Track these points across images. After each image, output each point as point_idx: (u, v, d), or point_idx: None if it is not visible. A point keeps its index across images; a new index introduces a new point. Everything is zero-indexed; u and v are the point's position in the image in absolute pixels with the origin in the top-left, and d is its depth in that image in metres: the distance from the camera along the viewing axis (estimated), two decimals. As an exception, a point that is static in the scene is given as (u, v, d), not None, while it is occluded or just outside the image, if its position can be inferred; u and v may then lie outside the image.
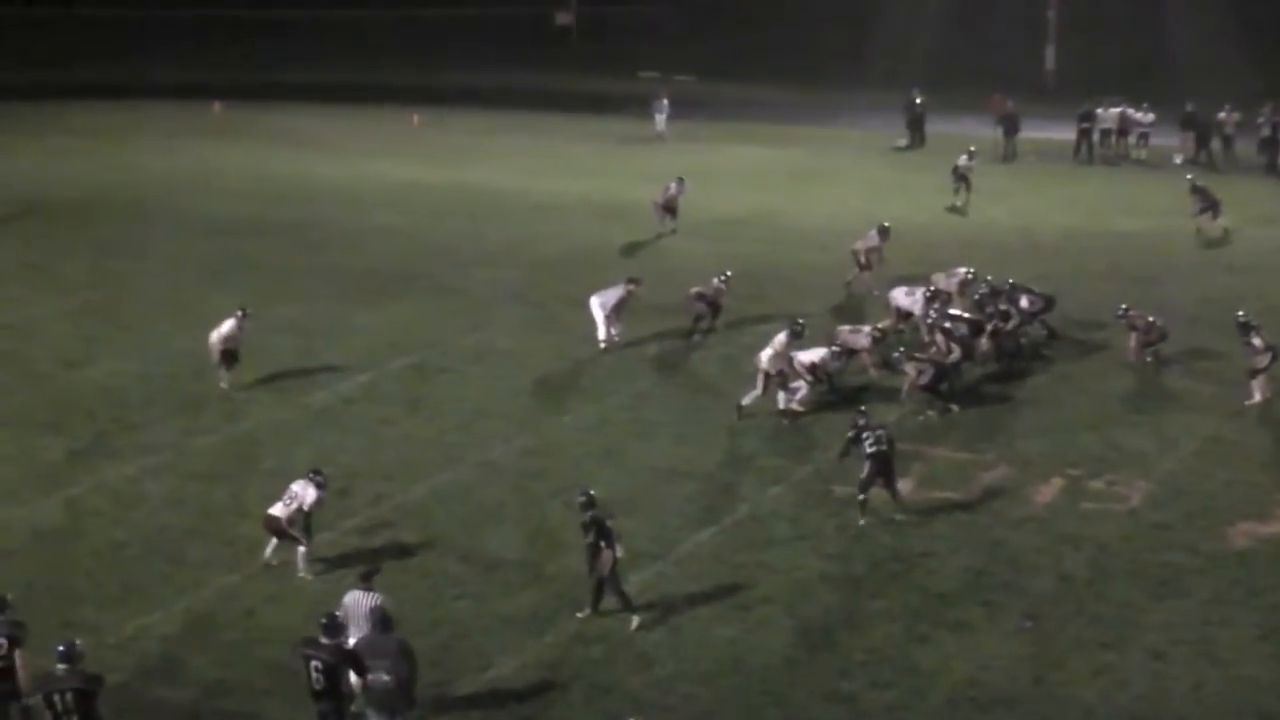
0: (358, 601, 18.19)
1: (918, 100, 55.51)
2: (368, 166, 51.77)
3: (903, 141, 55.32)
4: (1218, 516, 23.39)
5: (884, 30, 67.56)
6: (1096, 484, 24.70)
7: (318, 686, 16.47)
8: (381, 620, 17.21)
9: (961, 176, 44.71)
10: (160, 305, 34.54)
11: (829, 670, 19.21)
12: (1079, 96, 54.68)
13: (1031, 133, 53.60)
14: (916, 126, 55.53)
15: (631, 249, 39.65)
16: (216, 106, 63.35)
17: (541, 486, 24.81)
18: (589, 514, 20.35)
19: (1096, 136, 52.98)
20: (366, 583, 18.49)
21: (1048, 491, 24.44)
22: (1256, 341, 28.01)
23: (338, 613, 17.66)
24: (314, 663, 16.43)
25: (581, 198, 46.23)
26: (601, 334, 31.21)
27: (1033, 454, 25.95)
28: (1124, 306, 30.48)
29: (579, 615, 20.46)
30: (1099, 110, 53.05)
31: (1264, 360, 27.88)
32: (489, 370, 30.44)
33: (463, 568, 21.96)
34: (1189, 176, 43.85)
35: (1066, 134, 53.42)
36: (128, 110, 63.74)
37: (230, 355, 28.83)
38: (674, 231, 41.06)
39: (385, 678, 16.66)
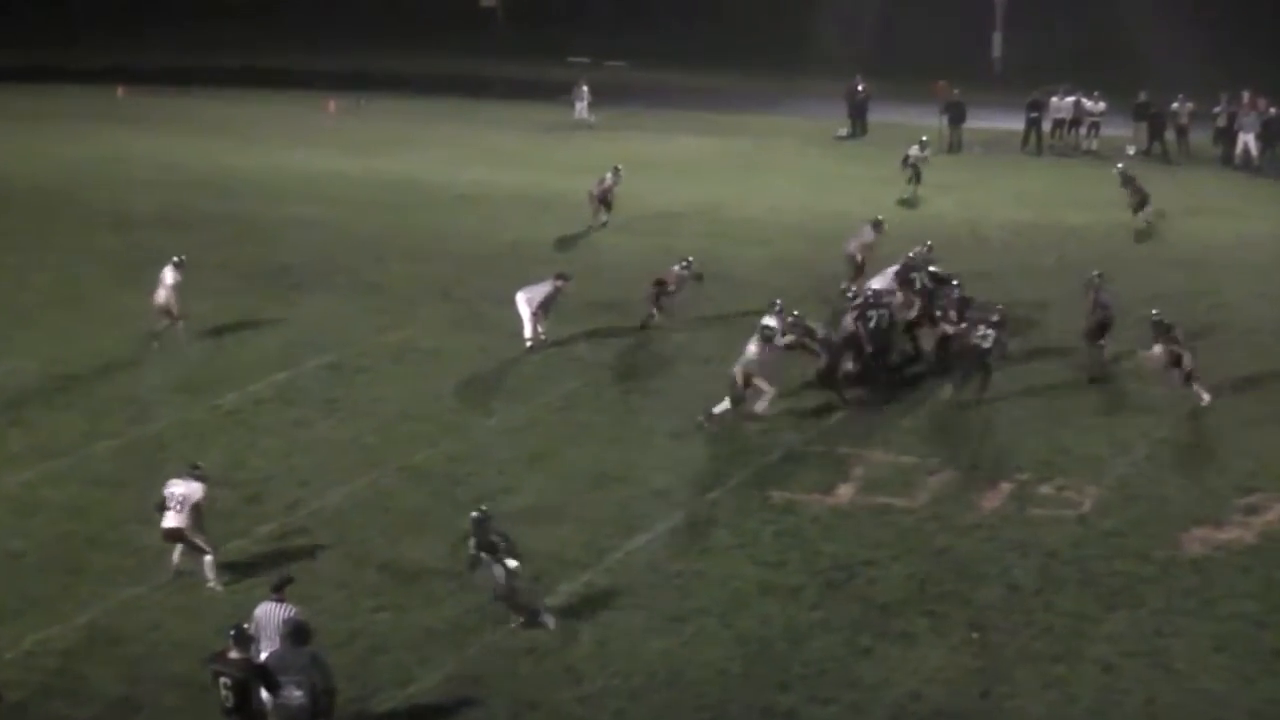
0: (269, 613, 18.04)
1: (860, 88, 55.77)
2: (283, 156, 51.57)
3: (844, 131, 55.57)
4: (1171, 523, 23.53)
5: (826, 15, 67.76)
6: (1046, 489, 24.81)
7: (228, 703, 16.35)
8: (295, 633, 17.07)
9: (912, 166, 44.93)
10: (62, 301, 34.26)
11: (767, 684, 19.19)
12: (1027, 85, 55.05)
13: (978, 122, 53.91)
14: (859, 115, 55.81)
15: (562, 243, 39.60)
16: (121, 91, 62.88)
17: (465, 492, 24.67)
18: (475, 526, 20.24)
19: (1047, 126, 53.35)
20: (278, 593, 18.34)
21: (995, 497, 24.53)
22: (1157, 349, 28.16)
23: (247, 625, 17.55)
24: (223, 678, 16.31)
25: (508, 189, 46.17)
26: (528, 332, 31.15)
27: (979, 458, 26.06)
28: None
29: (511, 627, 20.41)
30: (1051, 99, 53.42)
31: (1160, 361, 28.17)
32: (411, 370, 30.33)
33: (382, 578, 21.83)
34: (1119, 166, 44.19)
35: (1014, 124, 53.76)
36: (27, 95, 63.15)
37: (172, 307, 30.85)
38: (605, 225, 40.94)
39: (298, 693, 16.55)
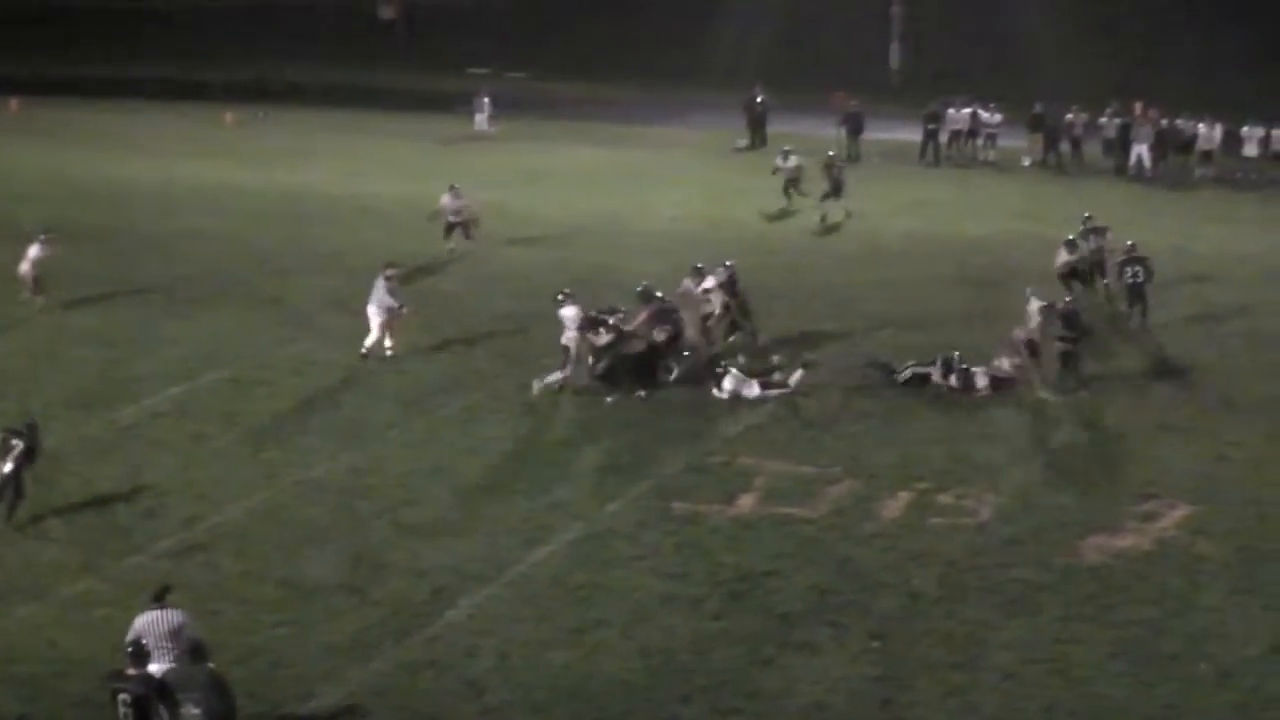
0: (154, 622, 17.73)
1: (759, 99, 56.06)
2: (179, 167, 51.19)
3: (743, 142, 55.86)
4: (1069, 530, 23.75)
5: (724, 27, 68.12)
6: (945, 498, 24.97)
7: (127, 720, 16.22)
8: (194, 649, 16.93)
9: (788, 179, 44.90)
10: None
11: (670, 696, 19.20)
12: (925, 96, 55.53)
13: (876, 133, 54.31)
14: (758, 126, 56.10)
15: (459, 256, 39.42)
16: (14, 103, 62.21)
17: (366, 506, 24.60)
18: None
19: (944, 137, 53.84)
20: (160, 601, 18.08)
21: (895, 506, 24.68)
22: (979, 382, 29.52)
23: (129, 635, 17.45)
24: (122, 695, 16.17)
25: (407, 201, 45.91)
26: (370, 340, 31.17)
27: (879, 467, 26.19)
28: None
29: None
30: (948, 110, 53.92)
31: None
32: (310, 383, 30.15)
33: (282, 592, 21.67)
34: (830, 154, 44.61)
35: (912, 135, 54.21)
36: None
37: (40, 281, 33.92)
38: (452, 251, 39.38)
39: (195, 711, 16.41)
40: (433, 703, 19.01)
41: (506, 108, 58.73)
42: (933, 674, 19.70)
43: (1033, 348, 29.40)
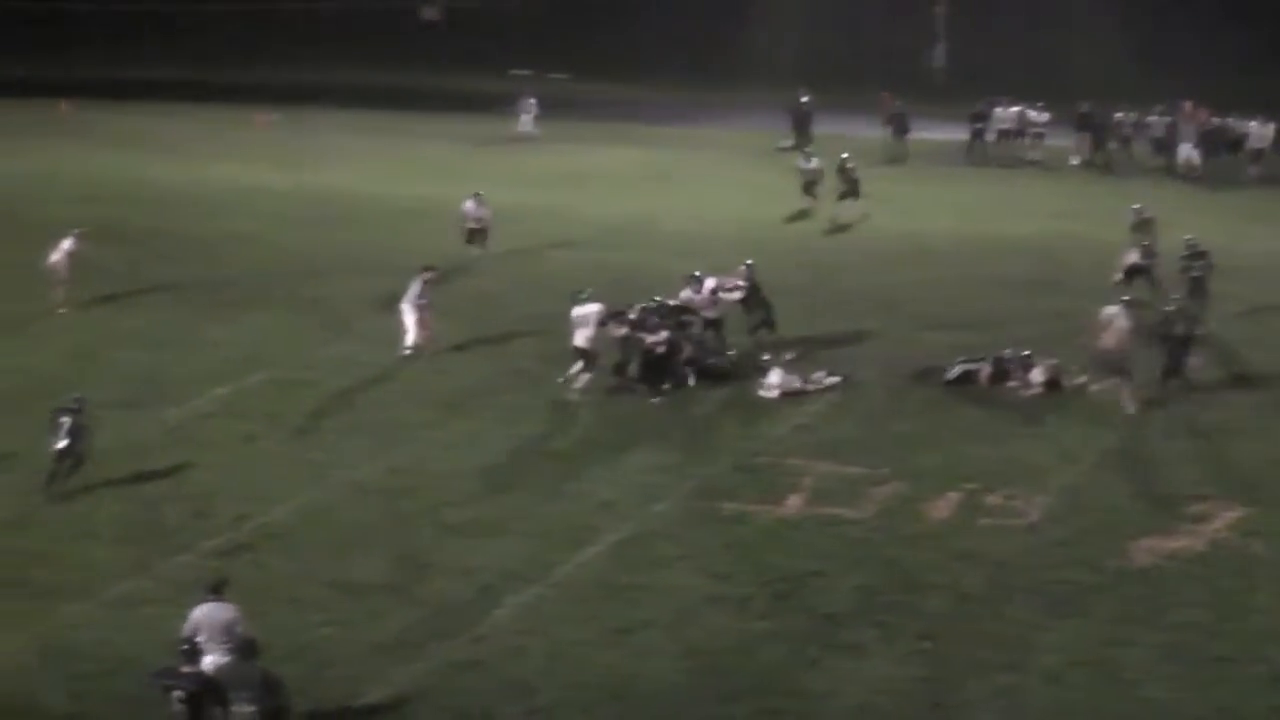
0: (211, 614, 18.01)
1: (804, 99, 56.08)
2: (219, 170, 51.52)
3: (787, 143, 55.85)
4: (1119, 532, 23.73)
5: (766, 27, 68.14)
6: (994, 498, 24.99)
7: (180, 718, 16.36)
8: (246, 648, 17.12)
9: (811, 182, 44.85)
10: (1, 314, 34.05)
11: (715, 696, 19.26)
12: (970, 96, 55.48)
13: (922, 133, 54.27)
14: (802, 127, 56.06)
15: (501, 257, 39.58)
16: (63, 105, 62.64)
17: (410, 506, 24.75)
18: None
19: (991, 137, 53.78)
20: (216, 594, 18.36)
21: (943, 507, 24.71)
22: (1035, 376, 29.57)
23: (186, 627, 17.73)
24: (175, 692, 16.35)
25: (447, 202, 46.07)
26: (409, 339, 31.41)
27: (927, 468, 26.23)
28: None
29: None
30: (995, 109, 53.86)
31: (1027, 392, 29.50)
32: (352, 384, 30.31)
33: (328, 592, 21.82)
34: (844, 155, 44.63)
35: (958, 135, 54.15)
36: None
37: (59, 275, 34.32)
38: (479, 256, 39.20)
39: (249, 708, 16.58)
40: (478, 702, 19.10)
41: (548, 109, 58.85)
42: (981, 675, 19.70)
43: (1120, 359, 28.74)
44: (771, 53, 65.75)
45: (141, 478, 25.49)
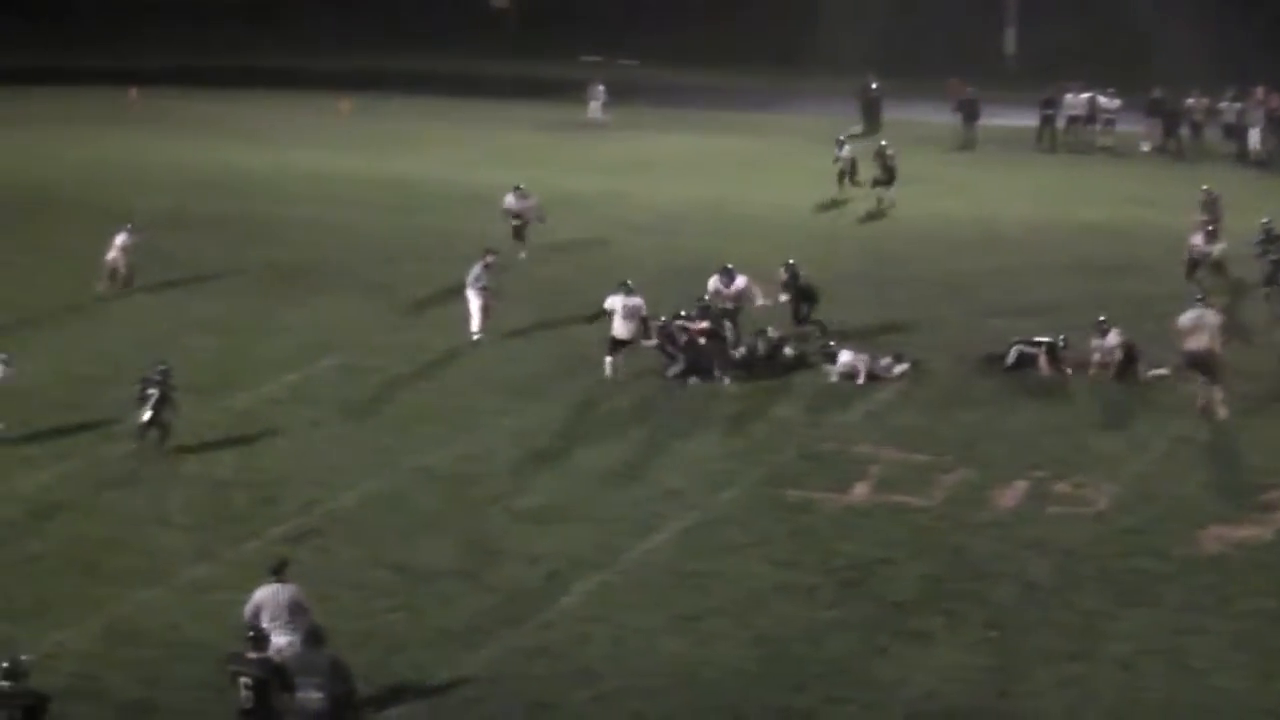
0: (274, 594, 18.18)
1: (873, 85, 55.83)
2: (292, 156, 51.67)
3: (857, 129, 55.55)
4: (1188, 520, 23.54)
5: (835, 13, 67.75)
6: (1062, 487, 24.83)
7: (247, 704, 16.40)
8: (312, 634, 17.15)
9: (845, 170, 44.51)
10: (71, 303, 34.25)
11: (783, 684, 19.22)
12: (1040, 81, 55.06)
13: (992, 119, 53.91)
14: (871, 113, 55.81)
15: (572, 243, 39.55)
16: (133, 93, 63.04)
17: (479, 492, 24.80)
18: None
19: (1061, 123, 53.37)
20: (279, 575, 18.51)
21: (1011, 495, 24.56)
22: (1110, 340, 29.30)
23: (248, 610, 17.96)
24: (243, 679, 16.38)
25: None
26: (475, 325, 31.49)
27: (994, 456, 26.09)
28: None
29: None
30: (1065, 95, 53.45)
31: (1100, 356, 29.14)
32: (424, 370, 30.41)
33: (397, 578, 21.88)
34: (882, 142, 44.40)
35: (1028, 121, 53.77)
36: (39, 97, 63.33)
37: (120, 272, 34.62)
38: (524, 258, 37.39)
39: (317, 695, 16.57)
40: (546, 689, 19.11)
41: (618, 95, 58.79)
42: (1049, 664, 19.59)
43: (1211, 361, 27.88)
44: (840, 38, 65.38)
45: (211, 463, 25.63)
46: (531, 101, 62.25)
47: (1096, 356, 29.41)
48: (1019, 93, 56.76)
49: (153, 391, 25.70)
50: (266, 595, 18.22)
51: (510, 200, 37.94)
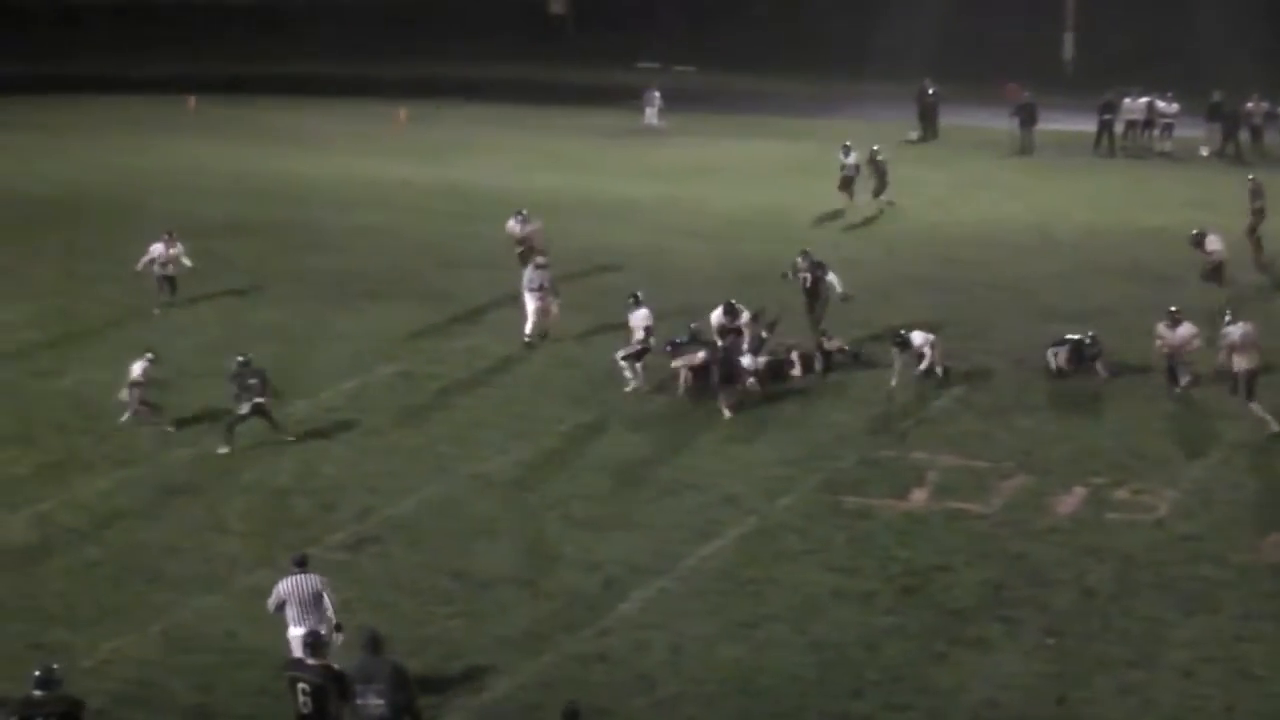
0: (298, 585, 18.44)
1: (930, 91, 55.63)
2: (351, 163, 51.89)
3: (914, 134, 55.42)
4: (1249, 527, 23.35)
5: (892, 18, 67.60)
6: (1121, 493, 24.65)
7: (305, 710, 16.39)
8: (372, 641, 17.09)
9: (849, 177, 44.13)
10: (132, 311, 34.43)
11: (841, 691, 19.14)
12: (1099, 86, 54.76)
13: (1050, 124, 53.64)
14: (929, 118, 55.64)
15: (630, 250, 39.54)
16: (191, 101, 63.42)
17: (537, 499, 24.81)
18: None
19: (1120, 128, 53.04)
20: (301, 566, 18.75)
21: (1070, 501, 24.40)
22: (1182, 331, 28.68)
23: (271, 600, 18.40)
24: (300, 685, 16.38)
25: (577, 195, 46.25)
26: (529, 326, 31.70)
27: (1053, 461, 25.93)
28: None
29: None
30: (1124, 100, 53.13)
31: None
32: (481, 377, 30.44)
33: (455, 585, 21.90)
34: (874, 148, 44.18)
35: (1086, 125, 53.47)
36: (101, 105, 63.85)
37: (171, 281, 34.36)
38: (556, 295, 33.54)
39: (378, 703, 16.50)
40: (604, 695, 19.07)
41: (675, 102, 58.76)
42: (1109, 672, 19.44)
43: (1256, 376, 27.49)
44: (900, 43, 65.18)
45: (270, 470, 25.72)
46: (588, 108, 62.28)
47: (1166, 345, 28.86)
48: (1077, 98, 56.46)
49: (255, 381, 26.40)
50: (290, 586, 18.53)
51: (513, 225, 36.36)
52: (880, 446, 26.73)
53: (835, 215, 43.37)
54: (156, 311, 34.06)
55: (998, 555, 22.61)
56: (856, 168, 44.06)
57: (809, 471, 25.71)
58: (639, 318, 29.42)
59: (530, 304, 31.73)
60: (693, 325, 29.59)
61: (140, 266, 34.57)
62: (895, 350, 29.46)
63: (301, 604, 18.41)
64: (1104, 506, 24.21)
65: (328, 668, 16.55)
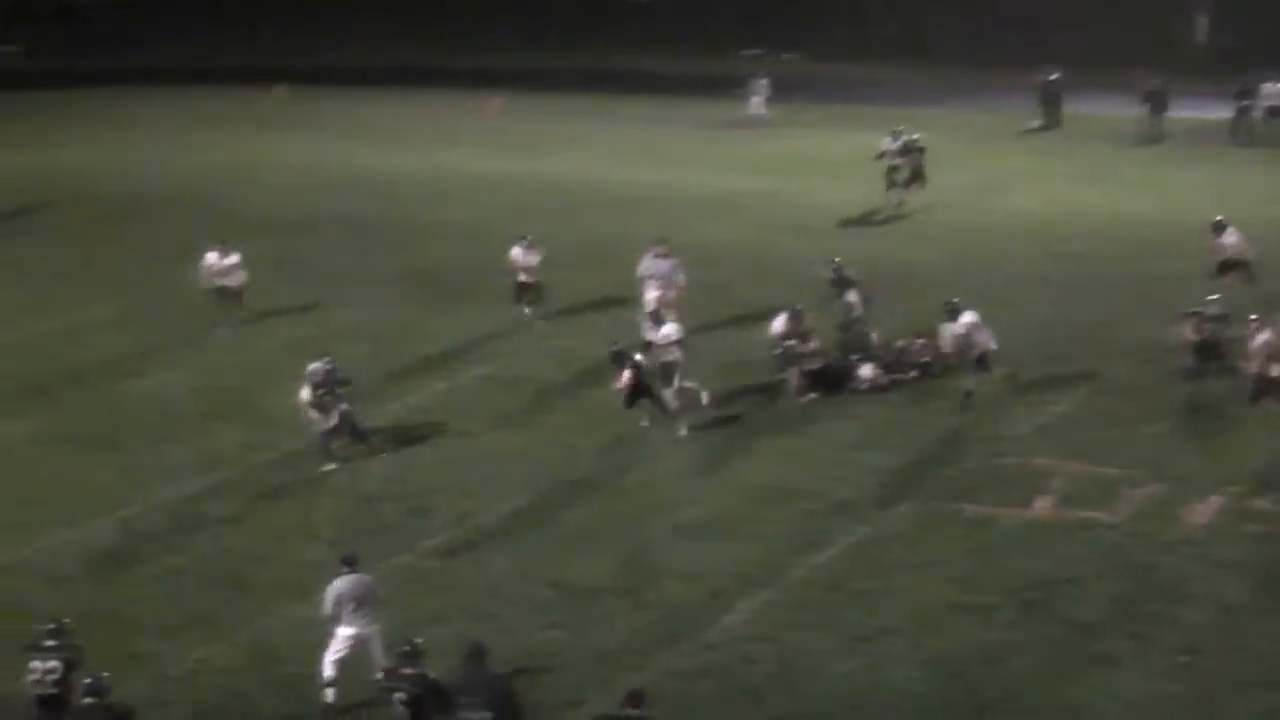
0: (354, 584, 19.14)
1: (1052, 77, 55.39)
2: (437, 156, 52.31)
3: (1036, 123, 55.21)
4: (1396, 540, 23.23)
5: (1013, 1, 67.31)
6: (1260, 503, 24.53)
7: (402, 720, 16.72)
8: (476, 652, 17.33)
9: (894, 167, 43.92)
10: (213, 312, 34.85)
11: (960, 709, 19.23)
12: (1235, 71, 54.36)
13: (1182, 112, 53.30)
14: (1051, 105, 55.39)
15: (731, 247, 39.62)
16: (275, 91, 64.10)
17: (637, 505, 25.02)
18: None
19: (1258, 114, 52.63)
20: (352, 566, 19.36)
21: (1205, 511, 24.32)
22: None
23: (327, 601, 19.03)
24: (397, 695, 16.66)
25: (674, 189, 46.39)
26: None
27: (1186, 469, 25.84)
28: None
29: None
30: (1263, 86, 52.70)
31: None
32: (577, 379, 30.63)
33: (552, 594, 22.15)
34: (915, 137, 43.83)
35: (1222, 113, 53.10)
36: (178, 98, 64.63)
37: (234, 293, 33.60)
38: (531, 323, 33.90)
39: (482, 715, 16.68)
40: (709, 712, 19.26)
41: (779, 91, 58.78)
42: (1246, 693, 19.41)
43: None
44: (1019, 28, 64.91)
45: (358, 475, 26.06)
46: (686, 98, 62.40)
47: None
48: (1212, 84, 56.05)
49: (343, 391, 26.76)
50: (345, 585, 19.14)
51: (517, 253, 33.99)
52: (1000, 452, 26.73)
53: (949, 209, 43.28)
54: (222, 330, 33.41)
55: (1127, 567, 22.59)
56: (898, 154, 43.77)
57: (924, 478, 25.79)
58: (667, 333, 29.03)
59: (650, 294, 32.02)
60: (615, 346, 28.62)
61: (203, 282, 33.93)
62: (947, 319, 29.11)
63: (357, 603, 19.05)
64: (1241, 518, 24.11)
65: (425, 677, 16.82)
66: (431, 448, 27.39)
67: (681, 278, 32.39)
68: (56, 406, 29.75)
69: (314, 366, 26.70)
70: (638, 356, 28.04)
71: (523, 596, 22.01)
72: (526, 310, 33.79)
